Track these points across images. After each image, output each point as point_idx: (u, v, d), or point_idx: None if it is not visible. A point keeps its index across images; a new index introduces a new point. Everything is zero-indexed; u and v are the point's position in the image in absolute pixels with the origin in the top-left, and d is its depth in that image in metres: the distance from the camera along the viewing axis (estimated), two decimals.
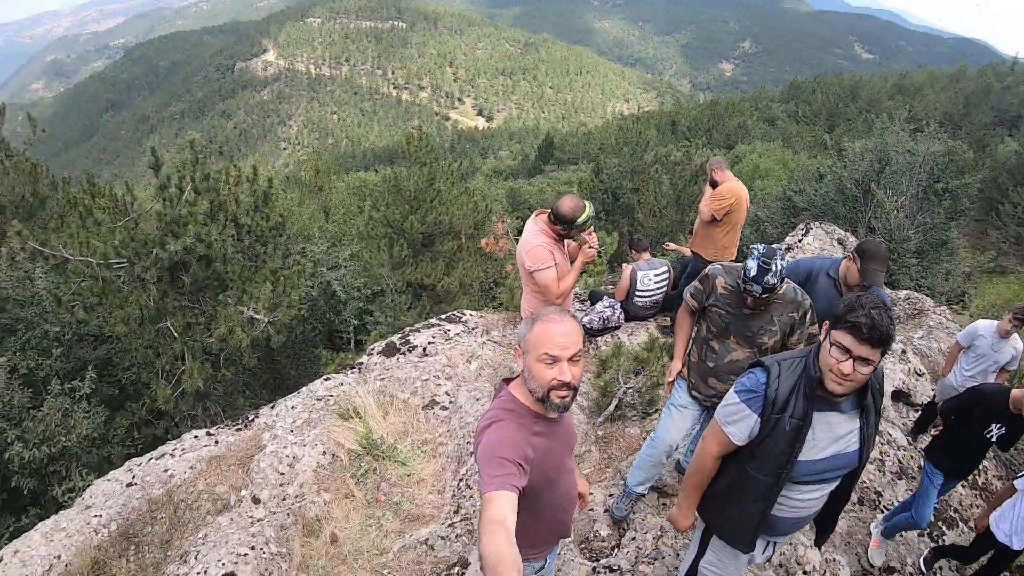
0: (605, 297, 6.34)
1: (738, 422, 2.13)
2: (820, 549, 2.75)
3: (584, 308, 6.74)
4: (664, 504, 3.82)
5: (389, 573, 3.57)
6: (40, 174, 8.44)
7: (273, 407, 4.96)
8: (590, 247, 3.62)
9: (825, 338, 1.96)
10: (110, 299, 6.21)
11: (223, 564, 3.22)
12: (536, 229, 3.68)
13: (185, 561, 3.35)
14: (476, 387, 5.50)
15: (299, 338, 9.76)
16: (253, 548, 3.41)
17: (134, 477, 4.05)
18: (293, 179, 29.40)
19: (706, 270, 3.11)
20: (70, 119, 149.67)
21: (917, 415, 5.11)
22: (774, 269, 2.67)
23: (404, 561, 3.63)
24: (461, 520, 3.90)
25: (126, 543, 3.53)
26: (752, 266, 2.71)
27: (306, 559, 3.62)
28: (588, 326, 6.09)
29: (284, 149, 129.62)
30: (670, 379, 3.42)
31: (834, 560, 3.53)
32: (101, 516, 3.66)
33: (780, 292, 2.87)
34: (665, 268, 6.11)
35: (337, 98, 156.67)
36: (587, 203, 3.54)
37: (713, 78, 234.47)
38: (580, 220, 3.51)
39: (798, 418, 2.02)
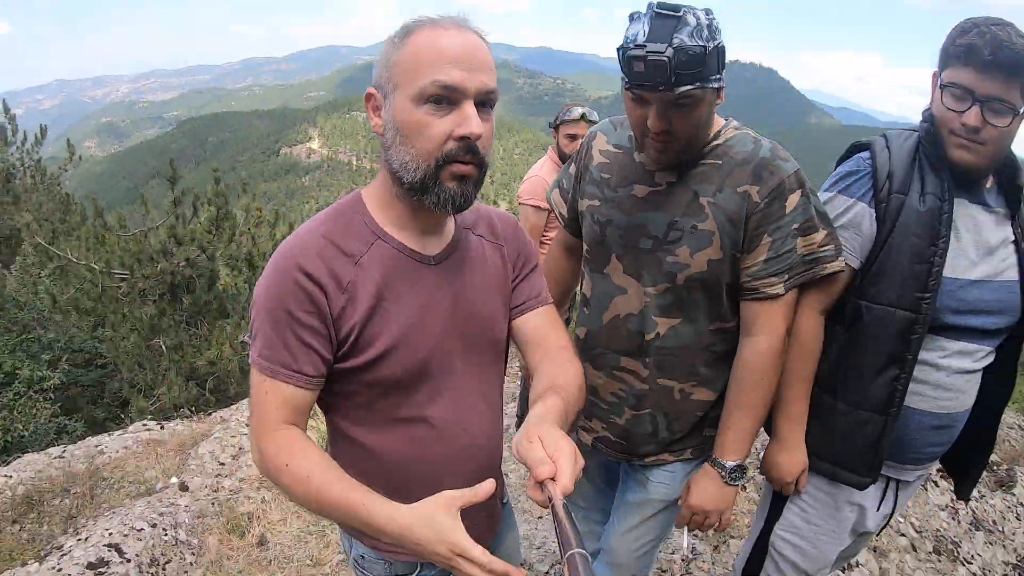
0: None
1: (838, 222, 1.35)
2: (967, 502, 1.72)
3: None
4: None
5: None
6: (73, 207, 8.68)
7: (236, 405, 4.55)
8: None
9: (936, 88, 1.30)
10: (107, 306, 6.07)
11: (109, 534, 2.71)
12: None
13: (77, 534, 2.86)
14: None
15: None
16: (154, 526, 2.89)
17: (64, 451, 3.68)
18: None
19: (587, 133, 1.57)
20: (117, 180, 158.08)
21: None
22: (692, 23, 1.12)
23: None
24: None
25: (26, 508, 3.08)
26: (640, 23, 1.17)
27: (221, 557, 3.05)
28: None
29: None
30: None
31: None
32: (11, 477, 3.26)
33: (724, 139, 1.33)
34: None
35: None
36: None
37: None
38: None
39: (934, 194, 1.29)
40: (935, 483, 3.70)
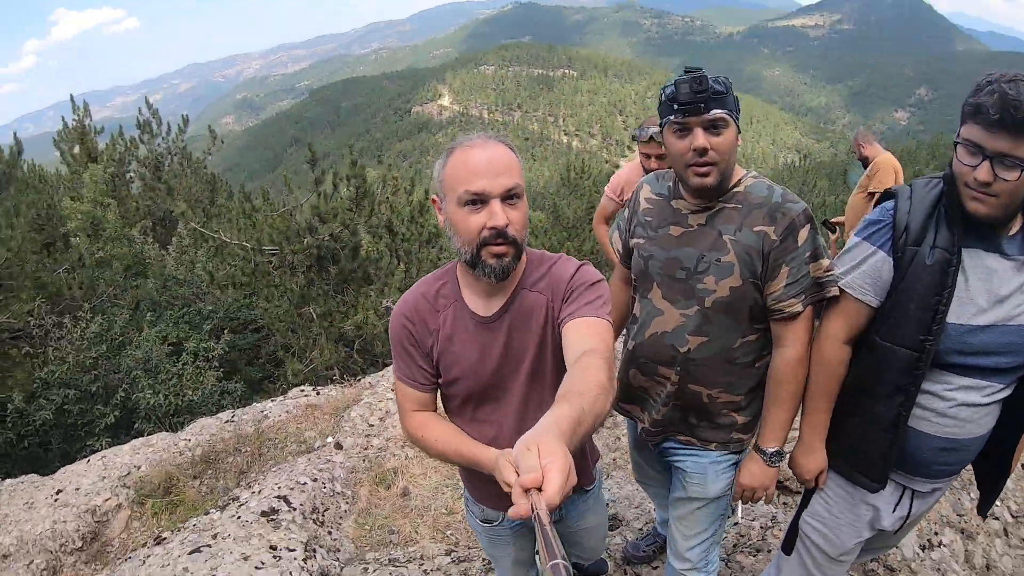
0: None
1: (861, 267, 1.51)
2: (984, 517, 1.80)
3: None
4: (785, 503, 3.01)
5: (451, 534, 3.19)
6: (219, 186, 9.55)
7: (381, 371, 4.90)
8: None
9: (955, 143, 1.36)
10: (260, 280, 6.69)
11: (279, 487, 3.06)
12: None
13: (250, 487, 3.26)
14: None
15: None
16: (315, 480, 3.23)
17: (233, 415, 4.15)
18: None
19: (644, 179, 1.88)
20: (257, 151, 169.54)
21: None
22: (711, 76, 1.51)
23: (469, 524, 3.23)
24: None
25: (204, 466, 3.54)
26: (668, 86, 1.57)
27: (370, 506, 3.36)
28: None
29: None
30: None
31: None
32: (190, 440, 3.74)
33: (744, 187, 1.60)
34: None
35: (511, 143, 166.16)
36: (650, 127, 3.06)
37: (887, 127, 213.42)
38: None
39: (944, 248, 1.40)
40: None
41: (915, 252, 1.43)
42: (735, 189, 1.60)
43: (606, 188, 3.51)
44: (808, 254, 1.53)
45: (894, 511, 1.67)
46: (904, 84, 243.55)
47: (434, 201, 1.38)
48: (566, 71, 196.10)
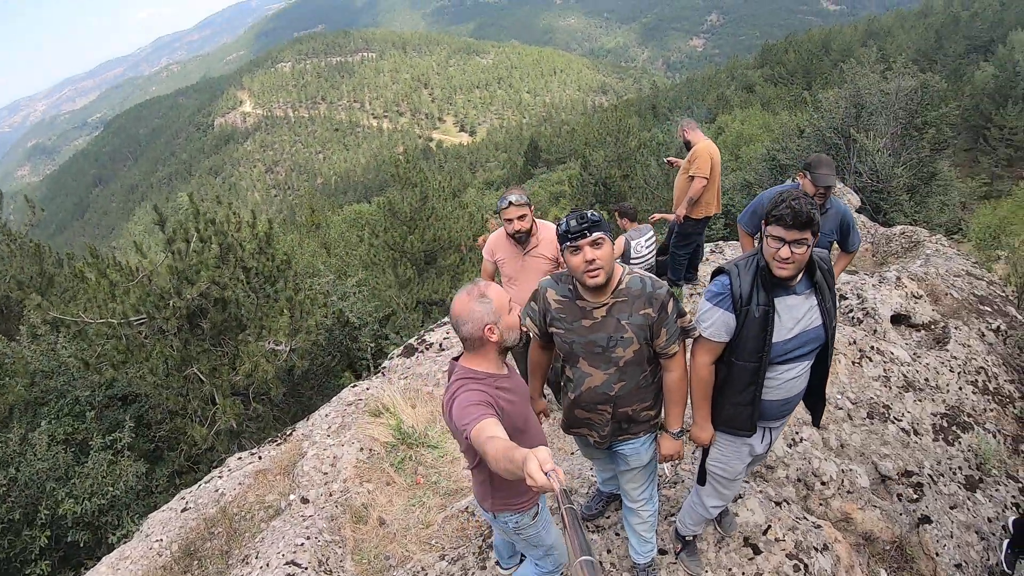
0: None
1: (716, 323, 2.38)
2: (818, 427, 2.88)
3: None
4: None
5: (436, 542, 3.81)
6: (45, 254, 8.79)
7: (308, 420, 5.24)
8: None
9: (764, 236, 2.28)
10: (136, 354, 6.52)
11: (282, 555, 3.47)
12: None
13: (247, 563, 3.60)
14: None
15: (320, 369, 10.03)
16: (308, 539, 3.66)
17: (187, 503, 4.33)
18: (290, 222, 29.87)
19: (537, 287, 2.59)
20: (59, 199, 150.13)
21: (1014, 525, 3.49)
22: (589, 211, 2.30)
23: (449, 529, 3.87)
24: None
25: (188, 559, 3.79)
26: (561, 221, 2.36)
27: (358, 543, 3.86)
28: None
29: (276, 196, 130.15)
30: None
31: (851, 470, 3.74)
32: (162, 540, 3.93)
33: (624, 284, 2.39)
34: (651, 231, 6.31)
35: (320, 137, 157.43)
36: (510, 194, 3.77)
37: (685, 55, 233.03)
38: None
39: (763, 305, 2.31)
40: (869, 358, 4.65)
41: (747, 309, 2.33)
42: (619, 287, 2.38)
43: (484, 252, 4.17)
44: (675, 317, 2.40)
45: (762, 442, 2.66)
46: (695, 13, 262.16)
47: (490, 329, 2.19)
48: (365, 54, 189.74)
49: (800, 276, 2.34)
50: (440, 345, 6.50)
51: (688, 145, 5.86)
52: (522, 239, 3.83)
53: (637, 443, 2.63)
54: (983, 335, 5.19)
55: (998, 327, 5.33)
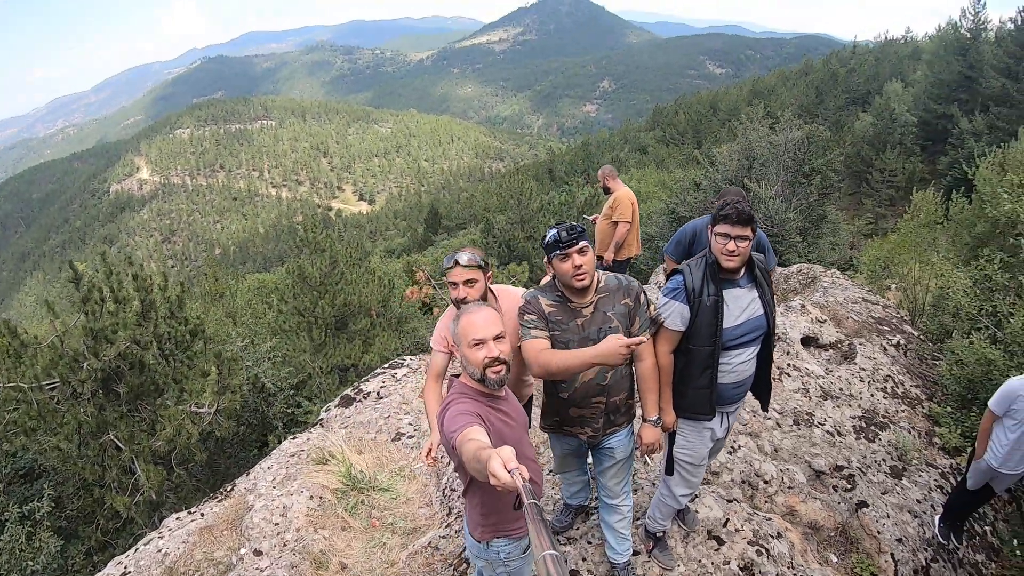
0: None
1: (673, 314, 2.71)
2: (766, 410, 3.17)
3: None
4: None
5: None
6: None
7: (248, 475, 5.04)
8: None
9: (711, 235, 2.66)
10: (48, 420, 6.05)
11: None
12: None
13: None
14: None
15: (235, 438, 9.54)
16: None
17: (126, 568, 4.04)
18: (190, 293, 28.41)
19: (522, 302, 2.73)
20: None
21: (947, 500, 3.91)
22: (567, 224, 2.57)
23: (415, 566, 3.83)
24: (456, 519, 4.15)
25: None
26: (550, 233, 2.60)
27: None
28: None
29: (173, 267, 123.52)
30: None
31: (788, 469, 4.07)
32: None
33: (603, 282, 2.68)
34: None
35: (218, 206, 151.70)
36: (460, 252, 2.91)
37: (579, 121, 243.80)
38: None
39: (713, 295, 2.65)
40: (788, 374, 5.12)
41: (700, 300, 2.66)
42: (600, 285, 2.68)
43: (433, 344, 3.15)
44: (646, 307, 2.73)
45: (721, 426, 2.95)
46: (587, 80, 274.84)
47: (452, 347, 2.49)
48: (264, 121, 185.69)
49: (743, 271, 2.70)
50: (378, 394, 6.46)
51: (607, 191, 6.30)
52: None
53: (621, 434, 2.86)
54: (885, 349, 5.81)
55: (898, 342, 5.97)
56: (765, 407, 3.08)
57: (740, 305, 2.69)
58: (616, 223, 6.14)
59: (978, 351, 4.72)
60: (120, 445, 6.40)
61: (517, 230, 17.73)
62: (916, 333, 6.40)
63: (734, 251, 2.55)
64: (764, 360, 2.87)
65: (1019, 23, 27.51)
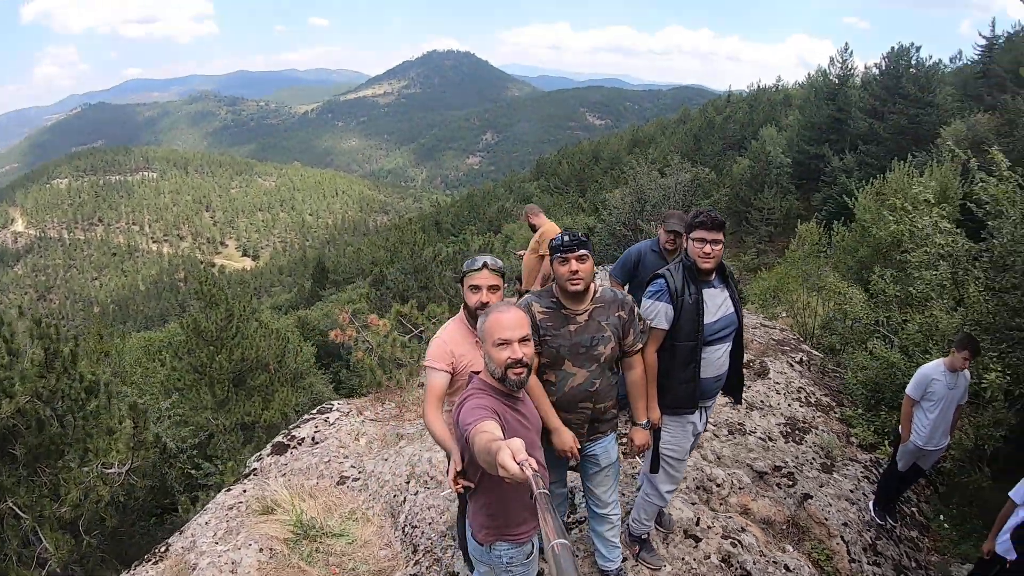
0: None
1: (659, 314, 2.92)
2: (739, 403, 3.41)
3: None
4: None
5: None
6: None
7: (181, 533, 4.70)
8: None
9: (687, 242, 2.93)
10: None
11: None
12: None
13: None
14: (376, 456, 5.69)
15: (136, 504, 8.75)
16: None
17: None
18: (84, 348, 25.96)
19: (521, 303, 2.71)
20: None
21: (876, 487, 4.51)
22: (579, 234, 2.72)
23: None
24: (424, 554, 4.08)
25: None
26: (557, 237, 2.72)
27: None
28: None
29: (50, 328, 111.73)
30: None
31: (735, 472, 4.35)
32: None
33: (599, 292, 2.81)
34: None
35: (96, 262, 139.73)
36: (484, 256, 2.91)
37: (463, 173, 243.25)
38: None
39: (694, 294, 2.91)
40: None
41: (682, 299, 2.89)
42: (597, 295, 2.79)
43: (432, 363, 2.83)
44: (639, 320, 2.89)
45: (701, 420, 3.17)
46: (470, 133, 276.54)
47: (477, 342, 2.48)
48: (145, 173, 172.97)
49: (714, 274, 2.99)
50: (312, 439, 6.25)
51: (534, 228, 6.57)
52: None
53: (606, 441, 2.95)
54: (792, 366, 6.34)
55: (801, 359, 6.54)
56: (738, 399, 3.32)
57: (716, 303, 2.96)
58: (543, 256, 6.37)
59: (880, 356, 5.28)
60: (20, 513, 5.76)
61: (411, 280, 17.70)
62: (815, 351, 7.05)
63: (710, 254, 2.82)
64: (736, 356, 3.13)
65: (883, 68, 30.90)
